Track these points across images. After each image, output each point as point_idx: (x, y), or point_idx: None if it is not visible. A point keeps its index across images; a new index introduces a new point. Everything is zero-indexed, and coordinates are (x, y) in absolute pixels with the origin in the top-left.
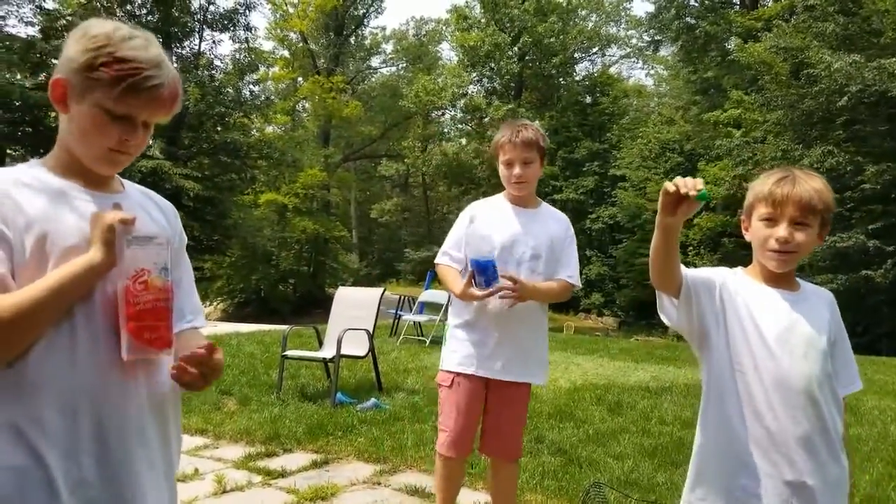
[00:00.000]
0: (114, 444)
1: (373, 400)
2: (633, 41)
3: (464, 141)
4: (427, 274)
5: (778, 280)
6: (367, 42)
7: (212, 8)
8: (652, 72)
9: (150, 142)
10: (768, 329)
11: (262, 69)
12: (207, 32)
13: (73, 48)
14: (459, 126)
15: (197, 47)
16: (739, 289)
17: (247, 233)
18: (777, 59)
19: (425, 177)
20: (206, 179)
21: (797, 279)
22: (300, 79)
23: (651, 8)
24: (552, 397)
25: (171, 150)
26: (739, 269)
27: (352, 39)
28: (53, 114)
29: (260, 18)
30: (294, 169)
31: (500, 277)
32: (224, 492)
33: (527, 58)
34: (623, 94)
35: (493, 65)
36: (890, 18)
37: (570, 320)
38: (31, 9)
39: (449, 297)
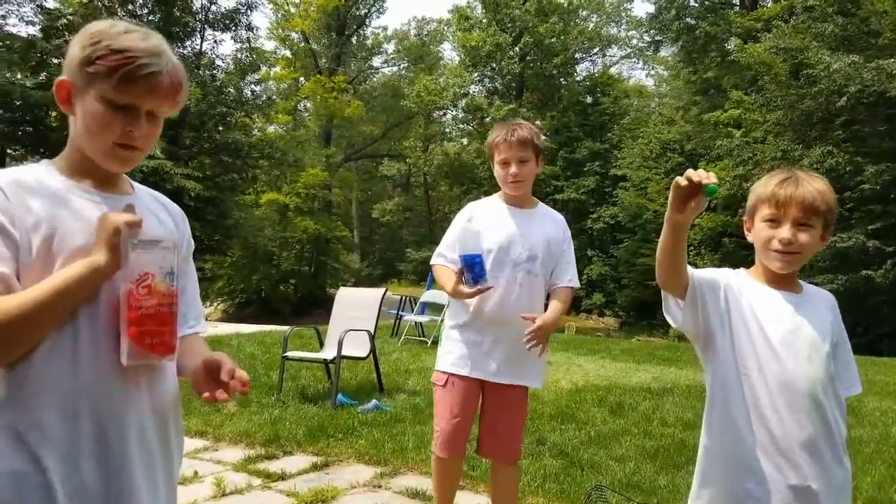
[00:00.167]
0: (114, 449)
1: (374, 401)
2: (634, 42)
3: (465, 141)
4: (429, 274)
5: (781, 282)
6: (368, 42)
7: (213, 8)
8: (652, 72)
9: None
10: (773, 331)
11: (264, 69)
12: (209, 32)
13: (74, 48)
14: (461, 126)
15: (199, 47)
16: (744, 290)
17: (248, 233)
18: (777, 59)
19: (427, 177)
20: (207, 179)
21: (799, 281)
22: (302, 78)
23: (651, 9)
24: (554, 399)
25: (173, 149)
26: (742, 270)
27: (353, 39)
28: (54, 113)
29: (262, 18)
30: (295, 169)
31: (527, 324)
32: (223, 495)
33: (528, 58)
34: (624, 95)
35: (494, 65)
36: (888, 19)
37: (572, 321)
38: (31, 8)
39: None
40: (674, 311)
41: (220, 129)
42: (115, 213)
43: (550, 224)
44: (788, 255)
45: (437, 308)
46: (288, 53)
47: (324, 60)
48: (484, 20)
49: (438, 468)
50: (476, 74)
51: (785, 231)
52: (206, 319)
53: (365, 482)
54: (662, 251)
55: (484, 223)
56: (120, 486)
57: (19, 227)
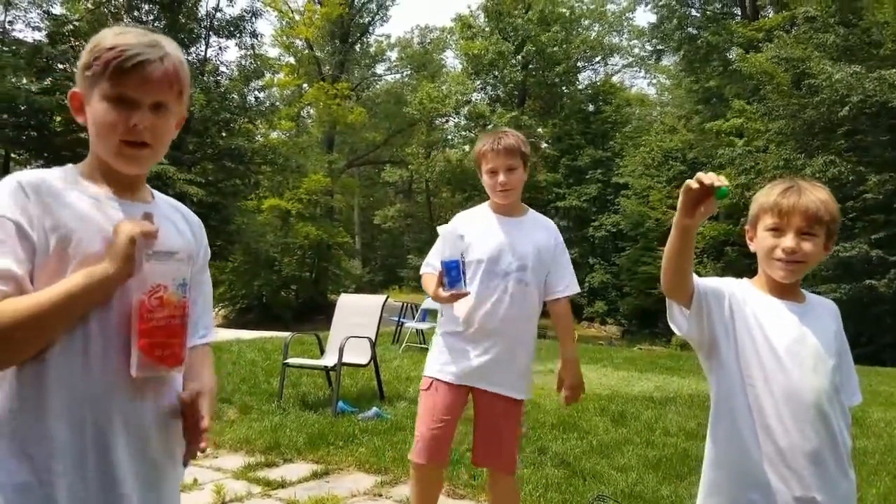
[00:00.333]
0: (117, 459)
1: (374, 409)
2: (636, 51)
3: (467, 148)
4: None
5: (784, 291)
6: (371, 49)
7: (218, 15)
8: (654, 81)
9: None
10: (778, 341)
11: (268, 75)
12: (214, 39)
13: (80, 59)
14: (463, 133)
15: (203, 53)
16: (748, 299)
17: (250, 238)
18: (778, 69)
19: (429, 183)
20: (209, 185)
21: (802, 290)
22: (305, 85)
23: (653, 18)
24: (555, 408)
25: (176, 154)
26: (745, 279)
27: (357, 47)
28: (58, 118)
29: (266, 25)
30: (298, 174)
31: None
32: (223, 502)
33: (530, 66)
34: (626, 103)
35: (496, 73)
36: (889, 30)
37: (574, 329)
38: (38, 14)
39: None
40: (678, 320)
41: (224, 134)
42: (132, 221)
43: (541, 232)
44: (792, 263)
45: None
46: (292, 60)
47: (327, 67)
48: (486, 29)
49: (416, 475)
50: (478, 82)
51: (788, 240)
52: None
53: (365, 490)
54: (669, 257)
55: (473, 233)
56: (121, 498)
57: (37, 229)
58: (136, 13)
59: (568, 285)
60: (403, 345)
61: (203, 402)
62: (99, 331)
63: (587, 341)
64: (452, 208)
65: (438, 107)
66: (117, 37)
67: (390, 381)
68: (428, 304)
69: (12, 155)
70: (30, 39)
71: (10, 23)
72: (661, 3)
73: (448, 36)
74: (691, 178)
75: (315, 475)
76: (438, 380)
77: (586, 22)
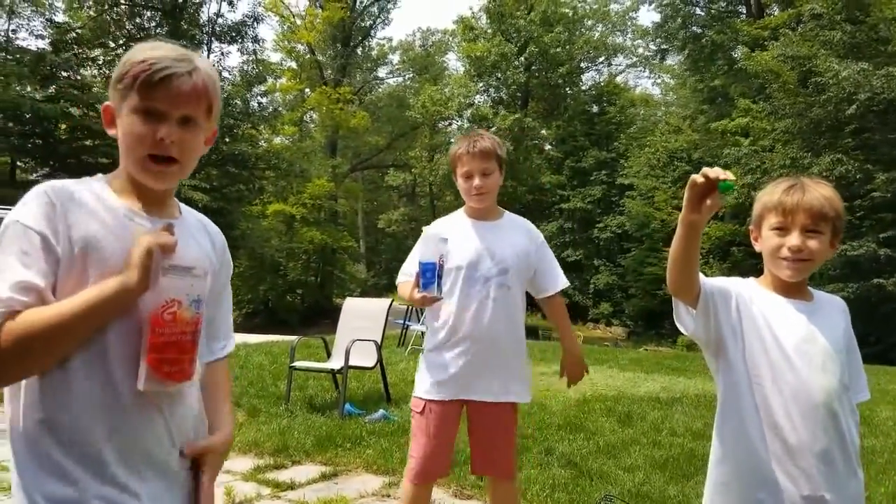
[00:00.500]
0: (133, 470)
1: (381, 411)
2: (640, 50)
3: None
4: None
5: (791, 290)
6: (373, 53)
7: (220, 20)
8: (659, 81)
9: None
10: (787, 340)
11: (270, 80)
12: (216, 44)
13: (114, 73)
14: None
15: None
16: (755, 298)
17: (255, 243)
18: (784, 67)
19: (432, 187)
20: (214, 190)
21: (809, 288)
22: (307, 90)
23: (657, 17)
24: (562, 409)
25: None
26: (752, 279)
27: (359, 50)
28: (63, 126)
29: (268, 30)
30: (302, 179)
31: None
32: None
33: (533, 68)
34: (630, 104)
35: (499, 75)
36: None
37: (579, 330)
38: (41, 22)
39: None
40: (685, 320)
41: (227, 140)
42: (151, 232)
43: (519, 234)
44: (798, 262)
45: None
46: (294, 65)
47: (329, 72)
48: (489, 30)
49: (409, 495)
50: (481, 84)
51: (794, 238)
52: None
53: (373, 492)
54: (675, 255)
55: (450, 240)
56: None
57: (63, 241)
58: (138, 20)
59: (558, 281)
60: (409, 347)
61: (208, 463)
62: (116, 342)
63: (592, 343)
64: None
65: (441, 110)
66: (148, 51)
67: (396, 384)
68: None
69: (18, 163)
70: (33, 48)
71: (14, 31)
72: (664, 2)
73: (450, 38)
74: (706, 167)
75: (323, 477)
76: (431, 400)
77: (589, 22)
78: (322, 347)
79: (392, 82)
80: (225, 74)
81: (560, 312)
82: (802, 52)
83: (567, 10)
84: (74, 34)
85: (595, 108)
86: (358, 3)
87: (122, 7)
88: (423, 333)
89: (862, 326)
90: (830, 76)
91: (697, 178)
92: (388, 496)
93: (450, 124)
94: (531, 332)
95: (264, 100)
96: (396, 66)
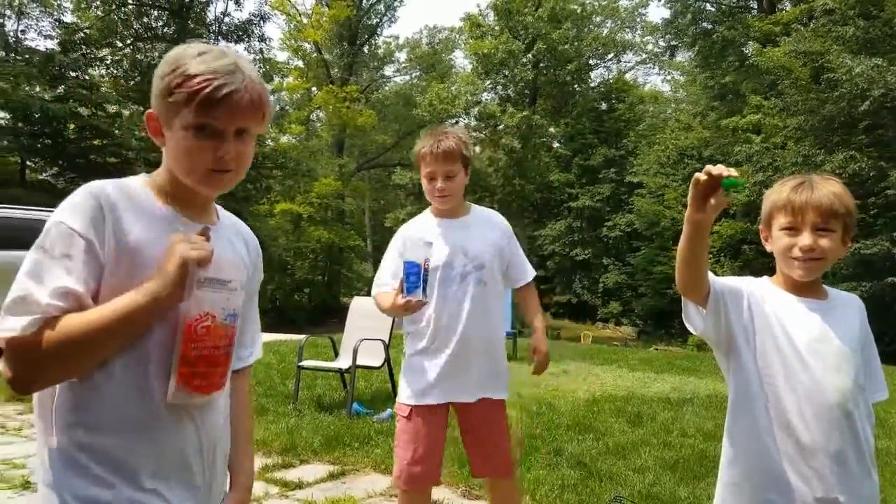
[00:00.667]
0: (162, 476)
1: (389, 410)
2: (649, 47)
3: (478, 149)
4: None
5: (805, 289)
6: (380, 51)
7: (227, 19)
8: (668, 77)
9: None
10: (800, 339)
11: (277, 79)
12: (223, 43)
13: (155, 79)
14: (473, 134)
15: None
16: (767, 298)
17: (262, 242)
18: (796, 63)
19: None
20: None
21: (824, 286)
22: (314, 89)
23: (667, 13)
24: (571, 409)
25: None
26: (765, 278)
27: (365, 49)
28: (72, 126)
29: (274, 29)
30: (309, 178)
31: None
32: None
33: (541, 65)
34: (639, 101)
35: (506, 72)
36: None
37: (588, 330)
38: (49, 22)
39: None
40: (694, 319)
41: None
42: (185, 240)
43: (490, 228)
44: (810, 261)
45: None
46: (300, 64)
47: (336, 70)
48: (496, 27)
49: (404, 501)
50: (488, 82)
51: (805, 238)
52: None
53: (381, 491)
54: (683, 254)
55: (421, 243)
56: None
57: (108, 247)
58: (145, 19)
59: (529, 271)
60: None
61: None
62: (154, 348)
63: (602, 342)
64: None
65: (448, 108)
66: (195, 61)
67: None
68: None
69: (27, 163)
70: (42, 48)
71: (23, 32)
72: None
73: (457, 36)
74: (710, 164)
75: (331, 476)
76: (417, 405)
77: (598, 18)
78: (330, 347)
79: (399, 80)
80: None
81: (534, 302)
82: (815, 47)
83: (575, 7)
84: (82, 34)
85: (604, 106)
86: (364, 1)
87: (130, 7)
88: None
89: (876, 325)
90: (843, 72)
91: (700, 175)
92: (396, 496)
93: (457, 122)
94: None
95: (271, 98)
96: (403, 65)
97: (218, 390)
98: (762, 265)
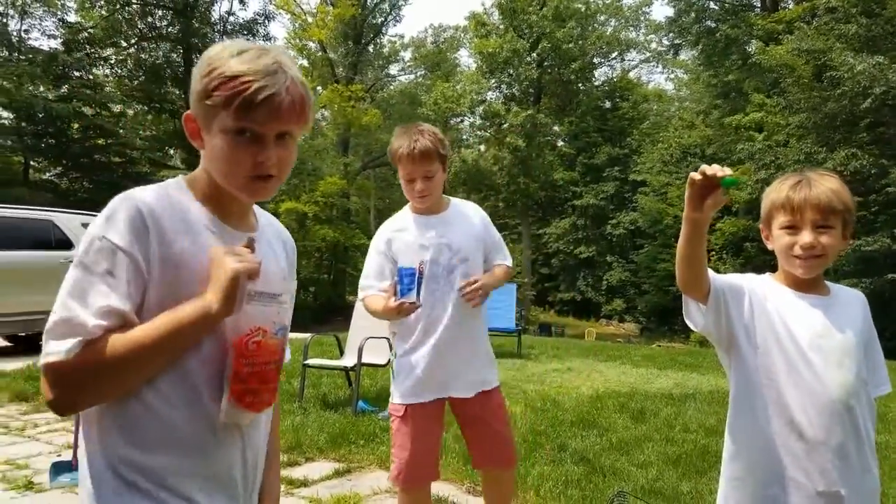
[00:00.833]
0: (208, 493)
1: None
2: (653, 45)
3: (483, 147)
4: None
5: (807, 285)
6: (385, 50)
7: (231, 18)
8: (672, 76)
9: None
10: (801, 335)
11: None
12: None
13: (193, 80)
14: (478, 133)
15: None
16: (769, 295)
17: None
18: (799, 61)
19: (444, 184)
20: None
21: (826, 282)
22: (319, 87)
23: (671, 12)
24: (575, 405)
25: (192, 160)
26: (767, 275)
27: (370, 48)
28: (76, 126)
29: (279, 28)
30: (314, 177)
31: (457, 290)
32: None
33: (545, 63)
34: (643, 99)
35: (511, 71)
36: None
37: (592, 326)
38: (53, 22)
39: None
40: (694, 316)
41: None
42: (233, 253)
43: (470, 220)
44: (812, 259)
45: None
46: (305, 63)
47: (341, 69)
48: (501, 26)
49: (405, 500)
50: (493, 81)
51: (806, 236)
52: None
53: (387, 488)
54: (682, 252)
55: (404, 241)
56: None
57: (154, 262)
58: (149, 19)
59: (506, 256)
60: None
61: None
62: (204, 364)
63: (605, 339)
64: None
65: (453, 106)
66: (233, 62)
67: None
68: None
69: (31, 162)
70: (46, 47)
71: (27, 31)
72: None
73: (462, 34)
74: (704, 164)
75: (337, 473)
76: (412, 404)
77: (602, 17)
78: (335, 345)
79: (404, 79)
80: None
81: (499, 269)
82: (817, 45)
83: (580, 6)
84: (86, 34)
85: (608, 104)
86: (369, 0)
87: (134, 6)
88: None
89: (876, 322)
90: (845, 70)
91: (695, 175)
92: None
93: (462, 121)
94: (543, 328)
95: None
96: (408, 63)
97: (268, 407)
98: (764, 262)
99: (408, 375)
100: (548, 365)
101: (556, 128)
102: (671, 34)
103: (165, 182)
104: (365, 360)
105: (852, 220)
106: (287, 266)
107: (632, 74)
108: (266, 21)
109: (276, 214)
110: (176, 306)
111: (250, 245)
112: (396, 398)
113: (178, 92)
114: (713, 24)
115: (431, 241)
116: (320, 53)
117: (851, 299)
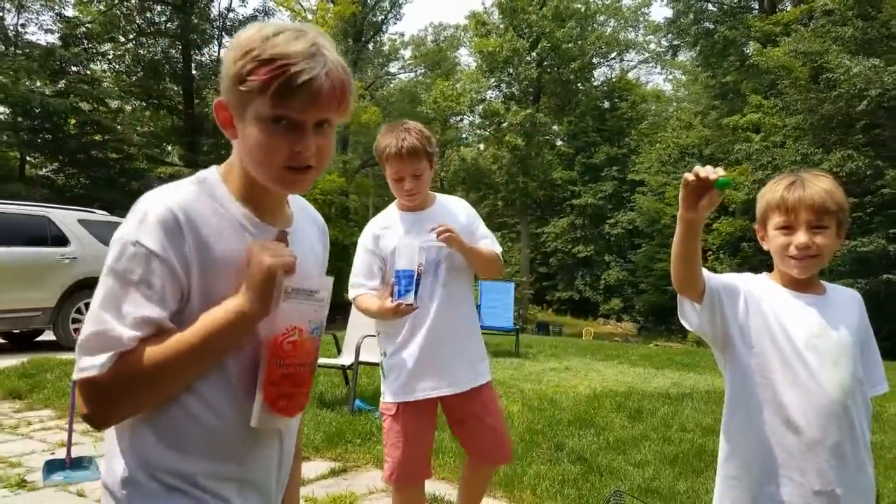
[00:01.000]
0: (246, 498)
1: None
2: (652, 46)
3: (482, 146)
4: None
5: (802, 285)
6: (385, 48)
7: (231, 15)
8: (670, 76)
9: (169, 148)
10: (797, 335)
11: None
12: (227, 39)
13: (226, 63)
14: (478, 131)
15: (216, 54)
16: (765, 295)
17: None
18: (796, 63)
19: (444, 182)
20: None
21: (822, 282)
22: None
23: (669, 13)
24: (572, 404)
25: (191, 156)
26: (763, 274)
27: (370, 46)
28: (73, 121)
29: None
30: None
31: (437, 240)
32: None
33: (545, 63)
34: (641, 99)
35: (511, 70)
36: None
37: (590, 325)
38: (50, 16)
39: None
40: (689, 316)
41: None
42: (268, 247)
43: (457, 215)
44: (807, 259)
45: None
46: None
47: None
48: (501, 26)
49: (397, 497)
50: (493, 80)
51: (801, 236)
52: None
53: (383, 488)
54: (676, 253)
55: (392, 239)
56: None
57: (189, 265)
58: (148, 14)
59: (496, 247)
60: None
61: None
62: (242, 367)
63: (603, 338)
64: None
65: (453, 105)
66: (270, 44)
67: None
68: None
69: (27, 158)
70: (43, 42)
71: (24, 26)
72: None
73: (462, 33)
74: (698, 165)
75: (333, 472)
76: (403, 402)
77: (601, 17)
78: (332, 343)
79: (403, 78)
80: None
81: (486, 252)
82: (814, 47)
83: (579, 6)
84: (84, 29)
85: (607, 104)
86: None
87: (133, 1)
88: None
89: (872, 322)
90: (842, 72)
91: (688, 176)
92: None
93: (461, 120)
94: (541, 327)
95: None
96: (408, 62)
97: (301, 411)
98: (761, 262)
99: (398, 374)
100: (545, 364)
101: (555, 127)
102: (670, 35)
103: (198, 176)
104: (362, 358)
105: (846, 220)
106: (322, 250)
107: (630, 75)
108: (265, 17)
109: None
110: (213, 309)
111: (282, 238)
112: (388, 397)
113: (176, 88)
114: (711, 26)
115: (419, 238)
116: None
117: (847, 298)
